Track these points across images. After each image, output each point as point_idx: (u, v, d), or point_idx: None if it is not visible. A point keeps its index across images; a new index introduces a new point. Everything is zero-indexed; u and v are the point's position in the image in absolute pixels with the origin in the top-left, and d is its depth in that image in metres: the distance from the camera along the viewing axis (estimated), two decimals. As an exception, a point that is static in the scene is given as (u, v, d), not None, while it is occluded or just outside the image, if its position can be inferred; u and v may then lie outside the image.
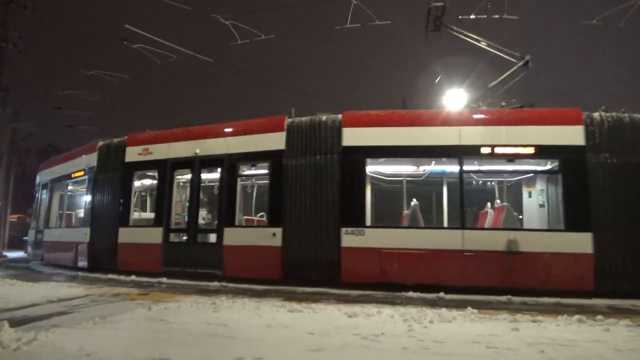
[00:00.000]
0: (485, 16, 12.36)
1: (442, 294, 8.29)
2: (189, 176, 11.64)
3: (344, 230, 9.32)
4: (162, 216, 11.24)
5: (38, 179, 17.47)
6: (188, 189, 11.87)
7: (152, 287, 9.37)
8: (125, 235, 11.74)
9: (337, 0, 12.44)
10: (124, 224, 11.89)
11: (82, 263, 12.69)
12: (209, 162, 11.15)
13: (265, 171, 10.63)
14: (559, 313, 6.39)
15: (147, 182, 13.74)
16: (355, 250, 9.23)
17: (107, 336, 4.73)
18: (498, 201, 10.75)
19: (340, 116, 9.94)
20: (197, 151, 11.12)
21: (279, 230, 9.77)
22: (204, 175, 11.67)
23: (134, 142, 12.31)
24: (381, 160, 10.29)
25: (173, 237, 11.27)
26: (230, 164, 10.70)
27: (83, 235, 12.77)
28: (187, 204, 11.51)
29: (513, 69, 10.94)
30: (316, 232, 9.54)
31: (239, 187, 10.98)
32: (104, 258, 11.97)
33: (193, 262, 10.51)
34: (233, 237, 10.28)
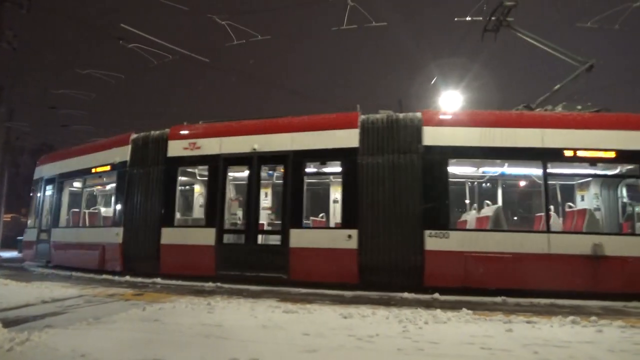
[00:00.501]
0: (481, 18, 12.41)
1: (436, 295, 8.32)
2: (245, 173, 11.00)
3: (427, 232, 9.00)
4: (214, 216, 10.48)
5: (39, 174, 15.71)
6: (244, 187, 11.27)
7: (146, 287, 9.35)
8: (170, 236, 10.85)
9: (334, 2, 12.41)
10: (168, 223, 10.96)
11: (112, 266, 11.65)
12: (270, 158, 10.55)
13: (337, 170, 10.28)
14: (553, 314, 6.43)
15: (192, 179, 12.90)
16: (439, 254, 8.92)
17: (101, 337, 4.71)
18: (571, 204, 10.63)
19: (419, 114, 9.66)
20: (256, 147, 10.40)
21: (354, 232, 9.32)
22: (264, 173, 11.02)
23: (177, 135, 11.38)
24: (462, 160, 10.07)
25: (228, 239, 10.51)
26: (295, 161, 10.11)
27: (113, 235, 11.63)
28: (245, 203, 10.75)
29: (576, 73, 10.77)
30: (397, 234, 9.17)
31: (305, 186, 10.42)
32: (141, 261, 11.10)
33: (253, 266, 9.91)
34: (301, 238, 9.74)
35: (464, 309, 6.50)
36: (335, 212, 11.75)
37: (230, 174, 11.21)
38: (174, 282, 10.17)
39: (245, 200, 10.78)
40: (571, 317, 6.00)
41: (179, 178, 11.46)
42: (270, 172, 11.70)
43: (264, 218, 11.75)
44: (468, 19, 12.66)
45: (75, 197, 14.93)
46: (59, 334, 4.75)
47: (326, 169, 10.94)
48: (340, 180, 10.28)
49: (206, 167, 11.12)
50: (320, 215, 12.35)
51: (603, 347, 4.61)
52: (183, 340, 4.63)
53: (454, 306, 7.03)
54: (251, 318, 5.84)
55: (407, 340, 4.73)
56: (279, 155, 10.30)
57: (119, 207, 11.97)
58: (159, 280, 10.24)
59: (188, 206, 13.39)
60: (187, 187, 13.49)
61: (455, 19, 13.23)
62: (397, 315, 6.09)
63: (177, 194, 11.36)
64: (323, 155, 10.16)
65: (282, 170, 10.50)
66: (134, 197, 11.54)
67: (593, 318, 6.09)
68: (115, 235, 11.59)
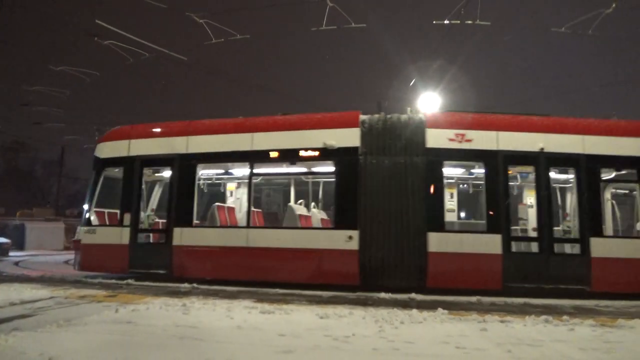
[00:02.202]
0: (459, 22, 12.55)
1: (413, 295, 8.35)
2: (529, 174, 10.18)
3: None
4: (498, 220, 9.30)
5: (120, 152, 11.36)
6: (526, 189, 10.48)
7: (120, 288, 9.15)
8: (441, 242, 9.23)
9: (314, 3, 12.37)
10: (437, 227, 9.32)
11: (339, 278, 9.38)
12: (558, 160, 9.69)
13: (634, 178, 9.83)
14: (527, 313, 6.53)
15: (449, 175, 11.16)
16: None
17: (71, 340, 4.61)
18: None
19: None
20: (541, 146, 9.47)
21: None
22: (552, 175, 10.01)
23: (439, 123, 9.83)
24: None
25: (518, 247, 9.55)
26: (587, 165, 9.40)
27: (342, 240, 9.37)
28: (534, 208, 9.80)
29: None
30: None
31: (601, 193, 9.85)
32: (393, 272, 9.33)
33: (549, 277, 9.07)
34: (603, 248, 9.06)
35: (440, 309, 6.54)
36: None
37: (513, 174, 10.32)
38: (148, 283, 9.99)
39: (534, 204, 9.80)
40: (544, 316, 6.11)
41: (444, 174, 9.97)
42: (560, 174, 10.82)
43: (563, 224, 10.82)
44: (446, 22, 12.78)
45: (210, 187, 12.24)
46: (27, 337, 4.63)
47: (623, 176, 10.39)
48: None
49: (482, 163, 9.78)
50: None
51: (575, 346, 4.71)
52: (156, 342, 4.56)
53: (430, 306, 7.07)
54: (227, 319, 5.79)
55: (382, 340, 4.76)
56: (569, 158, 9.58)
57: (347, 204, 9.73)
58: (132, 281, 10.04)
59: (450, 207, 11.30)
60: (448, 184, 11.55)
61: (434, 21, 13.37)
62: (374, 315, 6.12)
63: (447, 193, 9.98)
64: (619, 163, 9.64)
65: (572, 174, 9.89)
66: (374, 192, 9.53)
67: (565, 317, 6.22)
68: (347, 239, 9.40)
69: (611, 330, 5.52)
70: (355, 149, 9.69)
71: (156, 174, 12.02)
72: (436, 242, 9.20)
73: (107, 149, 11.63)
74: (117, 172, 11.58)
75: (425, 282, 9.18)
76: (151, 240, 11.30)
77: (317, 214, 11.74)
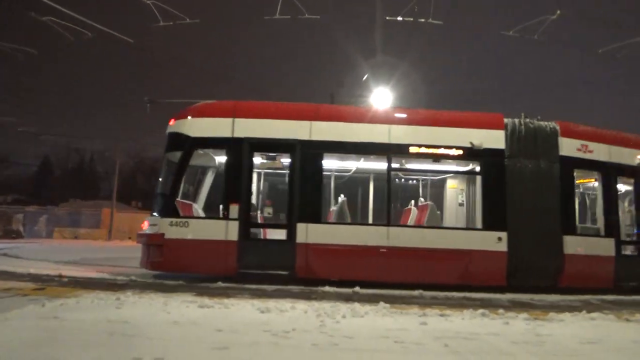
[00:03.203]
0: (412, 19, 12.68)
1: (357, 289, 8.37)
2: (630, 185, 10.96)
3: None
4: (613, 226, 10.20)
5: (221, 132, 9.80)
6: (627, 198, 11.36)
7: (51, 281, 8.63)
8: (574, 245, 9.79)
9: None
10: (572, 231, 9.90)
11: (486, 279, 9.38)
12: None
13: None
14: (466, 307, 6.68)
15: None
16: None
17: (-13, 336, 4.25)
18: None
19: None
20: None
21: None
22: None
23: (570, 133, 10.33)
24: None
25: (625, 250, 10.38)
26: None
27: (491, 241, 9.43)
28: (634, 215, 10.79)
29: None
30: None
31: None
32: (532, 272, 9.58)
33: None
34: None
35: (382, 303, 6.58)
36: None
37: (620, 186, 11.02)
38: (84, 275, 9.49)
39: (633, 212, 10.79)
40: (481, 310, 6.28)
41: (574, 181, 10.47)
42: None
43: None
44: (399, 19, 12.89)
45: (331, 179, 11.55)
46: None
47: None
48: None
49: (597, 173, 10.59)
50: None
51: (508, 339, 4.85)
52: (83, 339, 4.29)
53: (373, 299, 7.11)
54: (163, 313, 5.56)
55: (323, 335, 4.70)
56: None
57: (495, 205, 9.79)
58: (64, 272, 9.49)
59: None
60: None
61: (387, 17, 13.46)
62: (316, 310, 6.05)
63: (576, 198, 10.62)
64: None
65: None
66: (520, 195, 9.75)
67: (501, 311, 6.43)
68: (497, 240, 9.47)
69: (543, 324, 5.74)
70: (501, 150, 9.88)
71: (268, 161, 10.85)
72: (571, 244, 9.76)
73: (200, 126, 9.97)
74: (201, 154, 10.43)
75: (559, 282, 9.68)
76: (267, 237, 10.25)
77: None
